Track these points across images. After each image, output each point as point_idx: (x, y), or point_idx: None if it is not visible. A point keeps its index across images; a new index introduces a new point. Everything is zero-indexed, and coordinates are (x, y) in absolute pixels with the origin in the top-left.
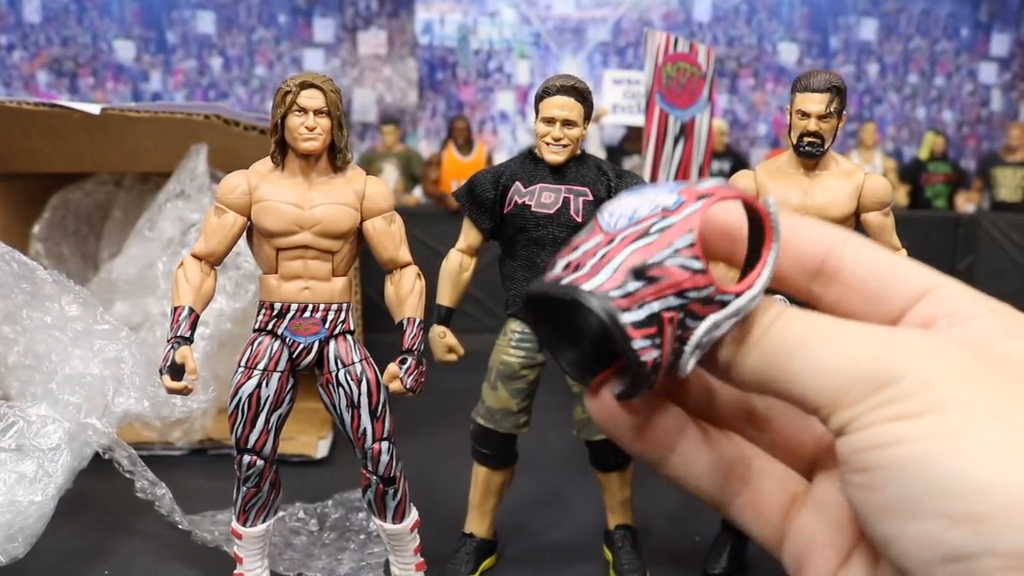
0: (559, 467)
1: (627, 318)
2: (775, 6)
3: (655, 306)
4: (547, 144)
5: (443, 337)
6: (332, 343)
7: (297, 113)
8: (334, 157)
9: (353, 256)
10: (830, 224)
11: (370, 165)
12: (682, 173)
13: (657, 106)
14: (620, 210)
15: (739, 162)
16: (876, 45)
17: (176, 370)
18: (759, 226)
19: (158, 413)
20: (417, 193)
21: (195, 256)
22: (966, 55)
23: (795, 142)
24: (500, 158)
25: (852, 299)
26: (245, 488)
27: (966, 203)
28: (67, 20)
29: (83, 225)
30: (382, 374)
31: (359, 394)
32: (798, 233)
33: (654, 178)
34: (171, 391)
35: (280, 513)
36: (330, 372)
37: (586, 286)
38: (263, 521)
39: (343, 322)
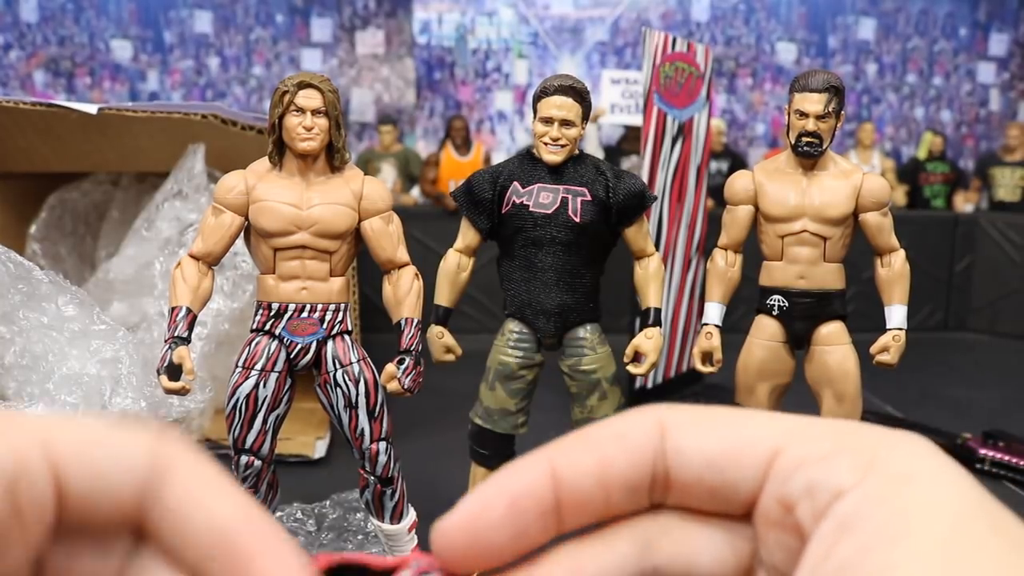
0: None
1: None
2: (773, 6)
3: None
4: (545, 144)
5: (441, 337)
6: (330, 343)
7: (295, 113)
8: (332, 157)
9: (351, 256)
10: (634, 421)
11: (368, 165)
12: (680, 173)
13: (655, 106)
14: None
15: (737, 162)
16: (874, 45)
17: (173, 370)
18: None
19: (155, 413)
20: (415, 193)
21: (192, 256)
22: (964, 55)
23: (793, 142)
24: (498, 158)
25: (696, 499)
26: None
27: (964, 203)
28: (64, 19)
29: (80, 225)
30: (380, 374)
31: (357, 394)
32: (612, 457)
33: (652, 178)
34: (168, 391)
35: (278, 513)
36: (328, 372)
37: None
38: None
39: (341, 322)
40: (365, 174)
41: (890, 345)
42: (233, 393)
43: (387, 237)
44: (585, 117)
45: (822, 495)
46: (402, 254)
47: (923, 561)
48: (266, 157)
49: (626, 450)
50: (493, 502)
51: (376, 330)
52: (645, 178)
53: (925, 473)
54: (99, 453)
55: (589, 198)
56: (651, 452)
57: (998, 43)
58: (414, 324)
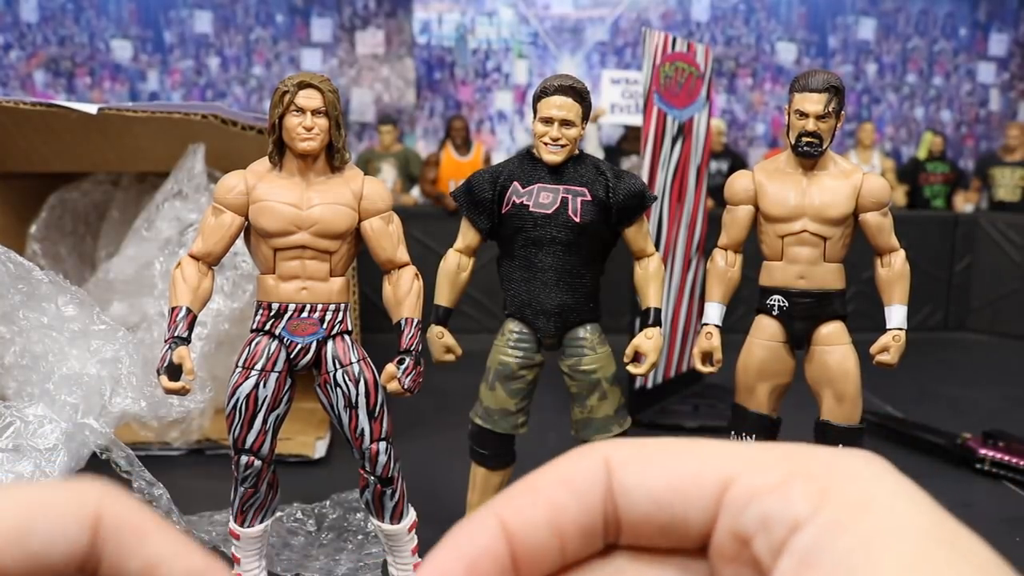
0: None
1: None
2: (773, 6)
3: None
4: (545, 144)
5: (441, 337)
6: (330, 343)
7: (295, 113)
8: (332, 157)
9: (351, 256)
10: (580, 463)
11: (368, 165)
12: (680, 173)
13: (655, 106)
14: None
15: (737, 162)
16: (874, 45)
17: (173, 370)
18: None
19: (155, 413)
20: (415, 193)
21: (193, 256)
22: (964, 55)
23: (793, 142)
24: (498, 158)
25: (647, 538)
26: (242, 488)
27: (964, 203)
28: (64, 19)
29: (80, 225)
30: (380, 374)
31: (357, 394)
32: (560, 503)
33: (652, 178)
34: (168, 391)
35: (278, 513)
36: (328, 372)
37: None
38: (260, 522)
39: (341, 322)
40: (365, 174)
41: (890, 345)
42: (233, 393)
43: (387, 237)
44: (585, 117)
45: (778, 528)
46: (402, 254)
47: None
48: (266, 157)
49: (575, 495)
50: (450, 569)
51: (376, 330)
52: (645, 178)
53: (881, 498)
54: (38, 537)
55: (589, 198)
56: (600, 494)
57: (998, 43)
58: (414, 324)
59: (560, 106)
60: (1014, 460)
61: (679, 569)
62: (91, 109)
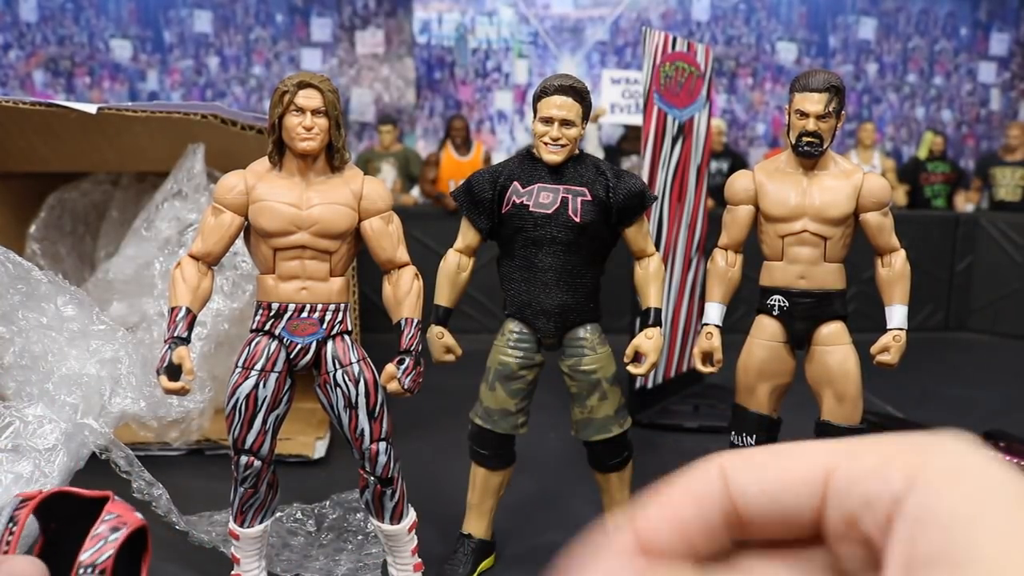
0: (557, 468)
1: None
2: (774, 5)
3: None
4: (545, 144)
5: (441, 337)
6: (330, 343)
7: (295, 113)
8: (332, 157)
9: (351, 256)
10: (698, 473)
11: (368, 165)
12: (680, 173)
13: (655, 105)
14: None
15: (737, 162)
16: (875, 44)
17: (173, 370)
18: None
19: (155, 413)
20: (415, 193)
21: (192, 256)
22: (965, 54)
23: (794, 142)
24: (498, 158)
25: (769, 530)
26: (242, 489)
27: (965, 203)
28: (63, 19)
29: (80, 225)
30: (380, 374)
31: (357, 394)
32: (682, 506)
33: (652, 178)
34: (168, 391)
35: (277, 514)
36: (328, 372)
37: None
38: (260, 522)
39: (341, 322)
40: (365, 174)
41: (890, 345)
42: (233, 393)
43: (387, 237)
44: (585, 117)
45: (881, 504)
46: (402, 254)
47: (1003, 533)
48: (266, 157)
49: (693, 498)
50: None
51: (376, 330)
52: (645, 178)
53: (972, 468)
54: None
55: (589, 198)
56: (716, 496)
57: (999, 43)
58: (414, 324)
59: (560, 106)
60: (1015, 461)
61: (803, 560)
62: (90, 109)
